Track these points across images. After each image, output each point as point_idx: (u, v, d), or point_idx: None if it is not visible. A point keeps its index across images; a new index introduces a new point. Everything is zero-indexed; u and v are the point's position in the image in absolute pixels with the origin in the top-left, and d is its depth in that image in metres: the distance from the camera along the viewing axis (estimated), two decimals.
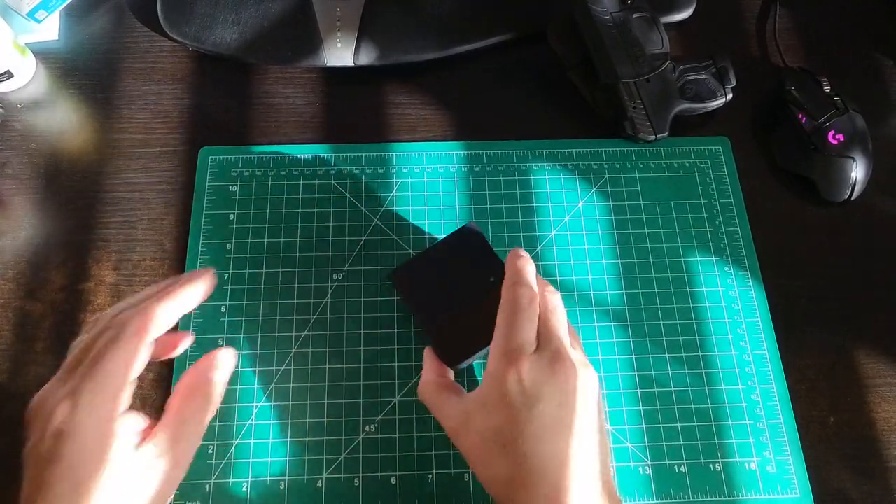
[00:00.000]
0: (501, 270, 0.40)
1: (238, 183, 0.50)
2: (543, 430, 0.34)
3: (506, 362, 0.35)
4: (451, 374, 0.41)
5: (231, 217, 0.49)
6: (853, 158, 0.49)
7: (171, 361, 0.44)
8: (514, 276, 0.38)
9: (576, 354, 0.37)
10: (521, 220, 0.49)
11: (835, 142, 0.49)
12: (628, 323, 0.46)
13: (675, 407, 0.44)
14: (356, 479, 0.42)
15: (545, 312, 0.38)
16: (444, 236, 0.46)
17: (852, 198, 0.50)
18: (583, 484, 0.33)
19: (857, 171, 0.49)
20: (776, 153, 0.52)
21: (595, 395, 0.36)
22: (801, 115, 0.50)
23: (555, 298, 0.39)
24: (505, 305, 0.37)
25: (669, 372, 0.45)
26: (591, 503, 0.33)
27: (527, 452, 0.33)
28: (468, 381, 0.44)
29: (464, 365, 0.42)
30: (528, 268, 0.39)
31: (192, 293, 0.35)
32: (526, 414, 0.34)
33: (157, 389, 0.44)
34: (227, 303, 0.46)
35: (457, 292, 0.43)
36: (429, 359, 0.41)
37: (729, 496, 0.42)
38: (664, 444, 0.43)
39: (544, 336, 0.37)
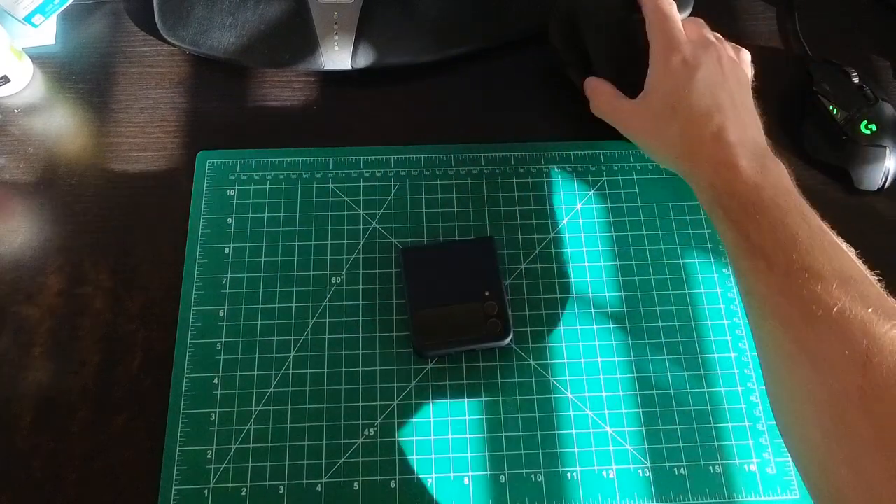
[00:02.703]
0: (499, 289, 0.45)
1: (236, 187, 0.50)
2: (705, 87, 0.42)
3: (669, 49, 0.44)
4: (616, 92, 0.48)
5: (229, 221, 0.48)
6: (885, 147, 0.50)
7: (170, 365, 0.44)
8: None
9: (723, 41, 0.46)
10: (519, 222, 0.49)
11: (867, 131, 0.50)
12: (627, 325, 0.46)
13: (675, 409, 0.44)
14: (355, 483, 0.42)
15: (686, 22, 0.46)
16: (446, 238, 0.48)
17: (885, 186, 0.50)
18: (740, 122, 0.42)
19: (890, 160, 0.50)
20: (806, 144, 0.52)
21: (746, 67, 0.46)
22: (831, 107, 0.51)
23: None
24: (654, 16, 0.45)
25: (668, 374, 0.45)
26: (748, 136, 0.41)
27: (692, 104, 0.42)
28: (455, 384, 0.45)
29: (434, 354, 0.44)
30: None
31: None
32: (689, 78, 0.43)
33: (155, 391, 0.44)
34: (226, 307, 0.46)
35: (452, 290, 0.45)
36: (594, 82, 0.49)
37: (729, 498, 0.42)
38: (664, 446, 0.43)
39: (691, 32, 0.45)
